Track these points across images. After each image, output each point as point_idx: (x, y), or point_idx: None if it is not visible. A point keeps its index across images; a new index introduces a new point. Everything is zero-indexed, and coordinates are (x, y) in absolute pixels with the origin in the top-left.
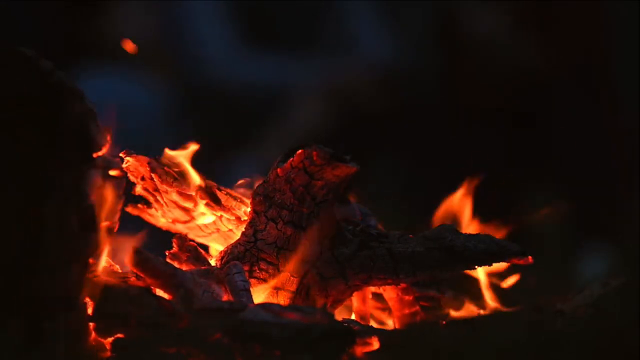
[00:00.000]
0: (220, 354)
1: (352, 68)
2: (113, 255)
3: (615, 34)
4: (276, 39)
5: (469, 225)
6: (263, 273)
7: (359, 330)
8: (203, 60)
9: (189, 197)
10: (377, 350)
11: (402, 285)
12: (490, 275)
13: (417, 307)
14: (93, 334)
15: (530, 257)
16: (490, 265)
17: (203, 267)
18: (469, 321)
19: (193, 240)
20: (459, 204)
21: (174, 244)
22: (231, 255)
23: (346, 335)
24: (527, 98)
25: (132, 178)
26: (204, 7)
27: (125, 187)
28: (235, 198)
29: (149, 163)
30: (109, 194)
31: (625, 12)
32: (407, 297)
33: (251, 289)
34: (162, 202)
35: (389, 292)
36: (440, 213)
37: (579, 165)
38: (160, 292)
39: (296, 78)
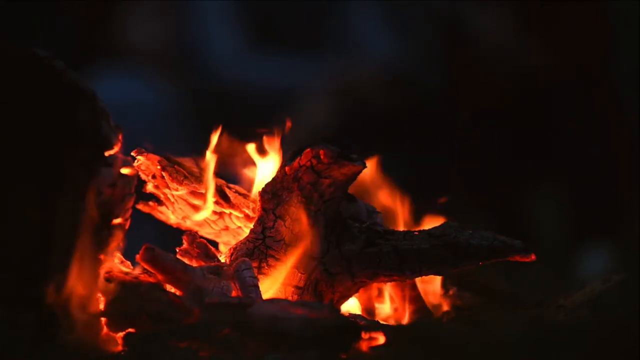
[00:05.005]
0: (229, 348)
1: (358, 68)
2: (124, 251)
3: (616, 34)
4: (283, 40)
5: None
6: (271, 269)
7: (364, 326)
8: (212, 61)
9: (199, 195)
10: (383, 345)
11: (408, 281)
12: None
13: (422, 303)
14: (105, 329)
15: (533, 254)
16: (493, 261)
17: (213, 264)
18: (473, 316)
19: (203, 237)
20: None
21: (184, 241)
22: (240, 251)
23: (352, 330)
24: (529, 98)
25: (143, 176)
26: (213, 9)
27: (136, 185)
28: (244, 196)
29: (159, 162)
30: (121, 192)
31: (626, 12)
32: (412, 293)
33: (260, 285)
34: (172, 199)
35: (395, 288)
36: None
37: (580, 163)
38: (170, 288)
39: (303, 78)
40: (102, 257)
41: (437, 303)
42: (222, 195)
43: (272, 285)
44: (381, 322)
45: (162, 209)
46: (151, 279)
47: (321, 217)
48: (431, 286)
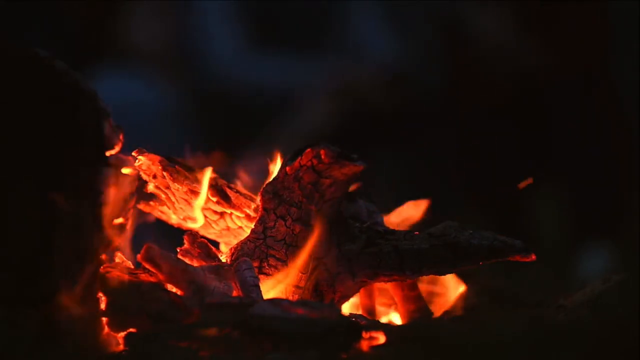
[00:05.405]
0: (229, 348)
1: (358, 68)
2: (125, 251)
3: (616, 34)
4: (283, 40)
5: None
6: (272, 269)
7: (365, 325)
8: (213, 61)
9: (200, 195)
10: (383, 344)
11: (408, 281)
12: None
13: (423, 303)
14: (106, 329)
15: (533, 254)
16: (493, 261)
17: (213, 263)
18: (474, 316)
19: (204, 237)
20: None
21: (185, 241)
22: (241, 251)
23: (353, 329)
24: (530, 97)
25: (144, 176)
26: (214, 9)
27: (137, 185)
28: (245, 196)
29: (160, 161)
30: (122, 192)
31: (626, 12)
32: (412, 293)
33: (260, 285)
34: (173, 199)
35: (395, 288)
36: None
37: (580, 163)
38: (171, 288)
39: (303, 78)
40: (103, 256)
41: (438, 302)
42: (223, 196)
43: (273, 285)
44: (381, 321)
45: (163, 208)
46: (152, 279)
47: (322, 217)
48: (437, 287)
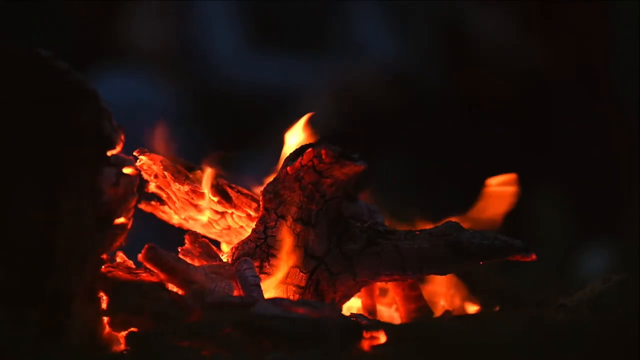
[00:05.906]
0: (230, 347)
1: (358, 68)
2: (126, 250)
3: (616, 34)
4: (284, 40)
5: None
6: (273, 269)
7: (366, 325)
8: (214, 61)
9: (201, 195)
10: (384, 344)
11: (409, 280)
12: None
13: (423, 302)
14: (107, 328)
15: (533, 253)
16: (494, 261)
17: (214, 263)
18: (474, 316)
19: (205, 237)
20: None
21: (186, 240)
22: (242, 251)
23: (354, 329)
24: (530, 97)
25: (145, 176)
26: (216, 10)
27: (138, 185)
28: (246, 195)
29: (161, 161)
30: (123, 191)
31: (626, 12)
32: (413, 293)
33: (261, 284)
34: (174, 199)
35: (396, 288)
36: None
37: (580, 163)
38: (172, 287)
39: (304, 78)
40: (104, 256)
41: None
42: (223, 195)
43: (274, 284)
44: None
45: (165, 208)
46: (153, 278)
47: (323, 216)
48: (436, 286)
